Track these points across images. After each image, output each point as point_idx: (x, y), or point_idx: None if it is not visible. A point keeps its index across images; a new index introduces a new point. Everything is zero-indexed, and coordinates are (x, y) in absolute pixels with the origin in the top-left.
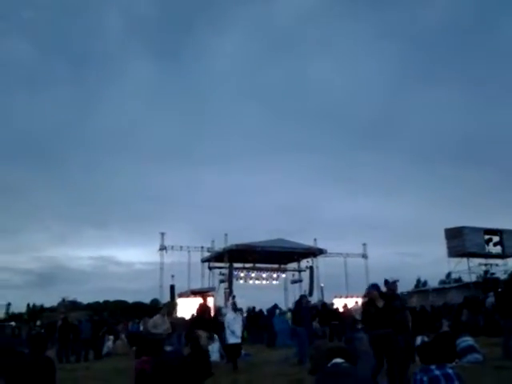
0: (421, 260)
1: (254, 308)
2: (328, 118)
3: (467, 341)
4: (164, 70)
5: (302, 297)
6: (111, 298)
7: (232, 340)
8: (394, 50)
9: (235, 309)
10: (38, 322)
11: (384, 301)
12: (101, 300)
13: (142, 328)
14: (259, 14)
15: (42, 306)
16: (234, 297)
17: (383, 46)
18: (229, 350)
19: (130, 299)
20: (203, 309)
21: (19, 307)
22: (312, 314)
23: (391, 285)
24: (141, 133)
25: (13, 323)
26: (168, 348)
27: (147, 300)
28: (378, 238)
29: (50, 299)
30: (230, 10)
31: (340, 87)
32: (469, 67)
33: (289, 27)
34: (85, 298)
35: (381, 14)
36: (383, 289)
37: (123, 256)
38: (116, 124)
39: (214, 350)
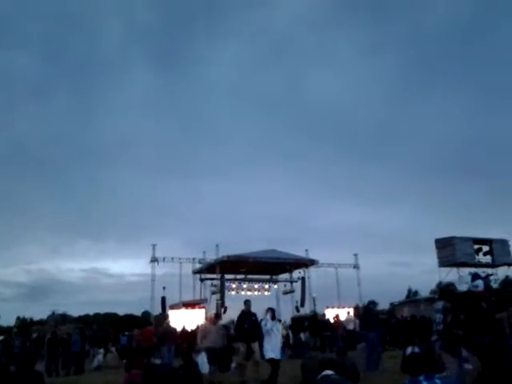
0: (412, 270)
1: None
2: (324, 127)
3: None
4: (164, 77)
5: (370, 302)
6: (102, 311)
7: (270, 355)
8: (393, 59)
9: (273, 317)
10: (34, 335)
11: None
12: (91, 312)
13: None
14: (258, 22)
15: (31, 319)
16: (225, 308)
17: (382, 54)
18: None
19: (121, 311)
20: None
21: (8, 320)
22: (303, 326)
23: (485, 279)
24: (137, 143)
25: (0, 337)
26: (157, 361)
27: (138, 312)
28: (369, 248)
29: (40, 312)
30: (229, 18)
31: (338, 95)
32: (468, 77)
33: (287, 35)
34: (75, 311)
35: (380, 22)
36: None
37: (115, 268)
38: (113, 134)
39: (205, 362)
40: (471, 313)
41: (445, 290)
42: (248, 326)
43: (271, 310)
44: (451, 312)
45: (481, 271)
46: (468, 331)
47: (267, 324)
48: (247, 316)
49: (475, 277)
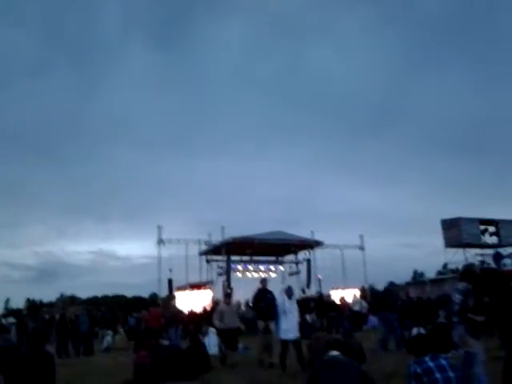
0: (418, 251)
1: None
2: (328, 106)
3: None
4: (163, 57)
5: (390, 284)
6: (110, 293)
7: (287, 335)
8: (395, 36)
9: (290, 295)
10: (47, 316)
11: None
12: (99, 295)
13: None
14: (258, 1)
15: (40, 302)
16: (231, 289)
17: (384, 32)
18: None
19: (129, 293)
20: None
21: (17, 303)
22: (309, 306)
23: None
24: (140, 122)
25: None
26: (165, 342)
27: (146, 294)
28: (375, 230)
29: (48, 294)
30: None
31: (341, 73)
32: (473, 52)
33: (289, 13)
34: (83, 293)
35: None
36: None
37: (122, 250)
38: (115, 114)
39: (213, 343)
40: (498, 294)
41: (466, 271)
42: (264, 304)
43: (289, 289)
44: (474, 294)
45: (489, 252)
46: (493, 315)
47: (285, 303)
48: (264, 294)
49: (498, 256)
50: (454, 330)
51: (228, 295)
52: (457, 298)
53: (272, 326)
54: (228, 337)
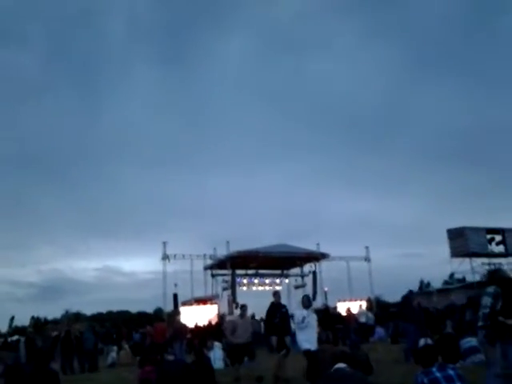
0: (424, 261)
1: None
2: (330, 118)
3: (470, 341)
4: (167, 73)
5: (409, 292)
6: (115, 309)
7: (305, 345)
8: (394, 45)
9: (307, 306)
10: (55, 333)
11: None
12: (104, 311)
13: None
14: (261, 15)
15: (45, 319)
16: (237, 304)
17: (383, 44)
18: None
19: (134, 309)
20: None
21: (22, 320)
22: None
23: None
24: (144, 139)
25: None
26: (171, 357)
27: (151, 309)
28: (380, 241)
29: (53, 311)
30: (233, 12)
31: (341, 86)
32: (470, 62)
33: (289, 26)
34: (88, 310)
35: (380, 9)
36: None
37: (127, 266)
38: (120, 131)
39: (218, 357)
40: None
41: (495, 275)
42: (279, 319)
43: (306, 299)
44: (502, 298)
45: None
46: None
47: (303, 315)
48: (277, 308)
49: None
50: (479, 335)
51: (243, 308)
52: (488, 300)
53: (287, 340)
54: (236, 351)
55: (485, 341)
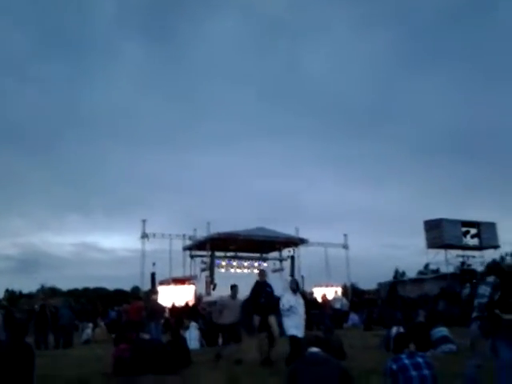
0: (401, 252)
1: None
2: (319, 104)
3: (442, 331)
4: (157, 52)
5: (396, 280)
6: (91, 285)
7: (292, 331)
8: (390, 36)
9: (295, 290)
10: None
11: None
12: (80, 287)
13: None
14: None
15: (20, 292)
16: (215, 285)
17: (379, 32)
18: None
19: (111, 286)
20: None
21: None
22: None
23: None
24: (129, 116)
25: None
26: (146, 336)
27: (128, 287)
28: (360, 229)
29: (29, 285)
30: None
31: (334, 72)
32: (464, 54)
33: (284, 11)
34: (64, 285)
35: None
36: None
37: (106, 243)
38: (105, 107)
39: (193, 337)
40: None
41: (494, 266)
42: (264, 298)
43: (293, 283)
44: (500, 290)
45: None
46: None
47: (290, 300)
48: (262, 287)
49: None
50: (472, 325)
51: (234, 288)
52: (486, 290)
53: (272, 320)
54: (217, 332)
55: (478, 332)
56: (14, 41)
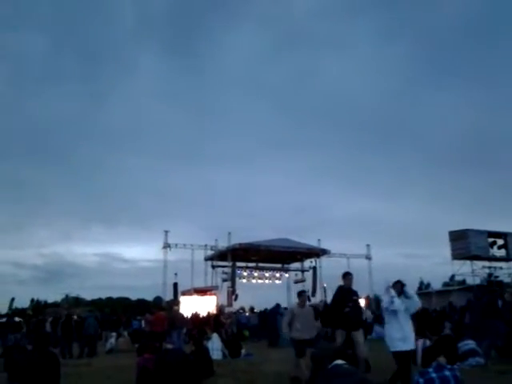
0: (425, 262)
1: (265, 309)
2: (338, 117)
3: (469, 344)
4: (175, 66)
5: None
6: (114, 295)
7: (400, 346)
8: (405, 49)
9: (400, 292)
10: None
11: None
12: (104, 296)
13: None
14: (271, 11)
15: (45, 302)
16: (236, 296)
17: (395, 45)
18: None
19: (133, 296)
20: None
21: (22, 302)
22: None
23: None
24: (150, 129)
25: (16, 319)
26: (169, 346)
27: (150, 297)
28: (382, 239)
29: (54, 295)
30: (243, 6)
31: (349, 86)
32: (477, 67)
33: (300, 24)
34: (88, 295)
35: (393, 11)
36: None
37: (128, 253)
38: (126, 120)
39: (216, 348)
40: None
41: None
42: (350, 308)
43: (399, 284)
44: None
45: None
46: None
47: (394, 301)
48: (347, 294)
49: None
50: None
51: (302, 294)
52: None
53: (359, 336)
54: (302, 348)
55: None
56: (34, 48)
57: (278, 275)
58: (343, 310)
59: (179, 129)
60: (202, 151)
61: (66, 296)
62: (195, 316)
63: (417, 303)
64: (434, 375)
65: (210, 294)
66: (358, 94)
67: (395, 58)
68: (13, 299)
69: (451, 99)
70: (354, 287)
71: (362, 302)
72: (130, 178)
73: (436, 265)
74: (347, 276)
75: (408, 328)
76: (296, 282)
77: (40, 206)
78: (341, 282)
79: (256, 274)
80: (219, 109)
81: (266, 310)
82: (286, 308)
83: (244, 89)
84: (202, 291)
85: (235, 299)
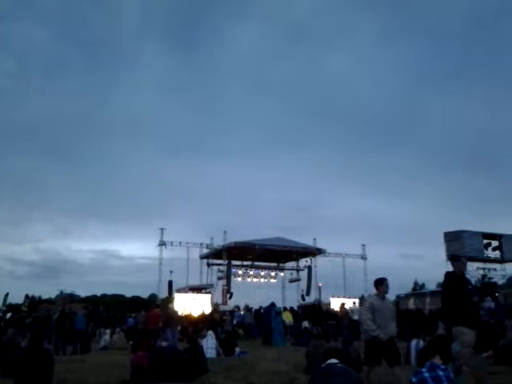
0: (420, 263)
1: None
2: (339, 114)
3: None
4: (179, 60)
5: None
6: (109, 292)
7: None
8: (415, 50)
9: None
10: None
11: None
12: (98, 293)
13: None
14: (275, 6)
15: (39, 298)
16: (231, 294)
17: (401, 43)
18: None
19: (128, 293)
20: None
21: (16, 298)
22: (306, 314)
23: None
24: (150, 124)
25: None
26: (164, 343)
27: (145, 295)
28: (378, 239)
29: (48, 291)
30: (248, 2)
31: (355, 82)
32: (482, 67)
33: (305, 19)
34: (83, 291)
35: (400, 7)
36: None
37: (124, 250)
38: (126, 115)
39: (210, 346)
40: None
41: None
42: (469, 300)
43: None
44: None
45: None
46: None
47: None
48: (463, 283)
49: None
50: None
51: (380, 281)
52: None
53: (469, 336)
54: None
55: None
56: (37, 41)
57: (273, 274)
58: (472, 300)
59: (179, 125)
60: (201, 148)
61: (61, 292)
62: (189, 314)
63: None
64: (426, 375)
65: (205, 292)
66: (362, 93)
67: (402, 54)
68: (7, 295)
69: (453, 99)
70: (349, 287)
71: (357, 302)
72: (128, 174)
73: (431, 266)
74: (459, 259)
75: None
76: (291, 281)
77: (37, 200)
78: (335, 282)
79: (251, 273)
80: (220, 106)
81: (260, 308)
82: (300, 305)
83: (246, 85)
84: (196, 289)
85: (230, 297)
